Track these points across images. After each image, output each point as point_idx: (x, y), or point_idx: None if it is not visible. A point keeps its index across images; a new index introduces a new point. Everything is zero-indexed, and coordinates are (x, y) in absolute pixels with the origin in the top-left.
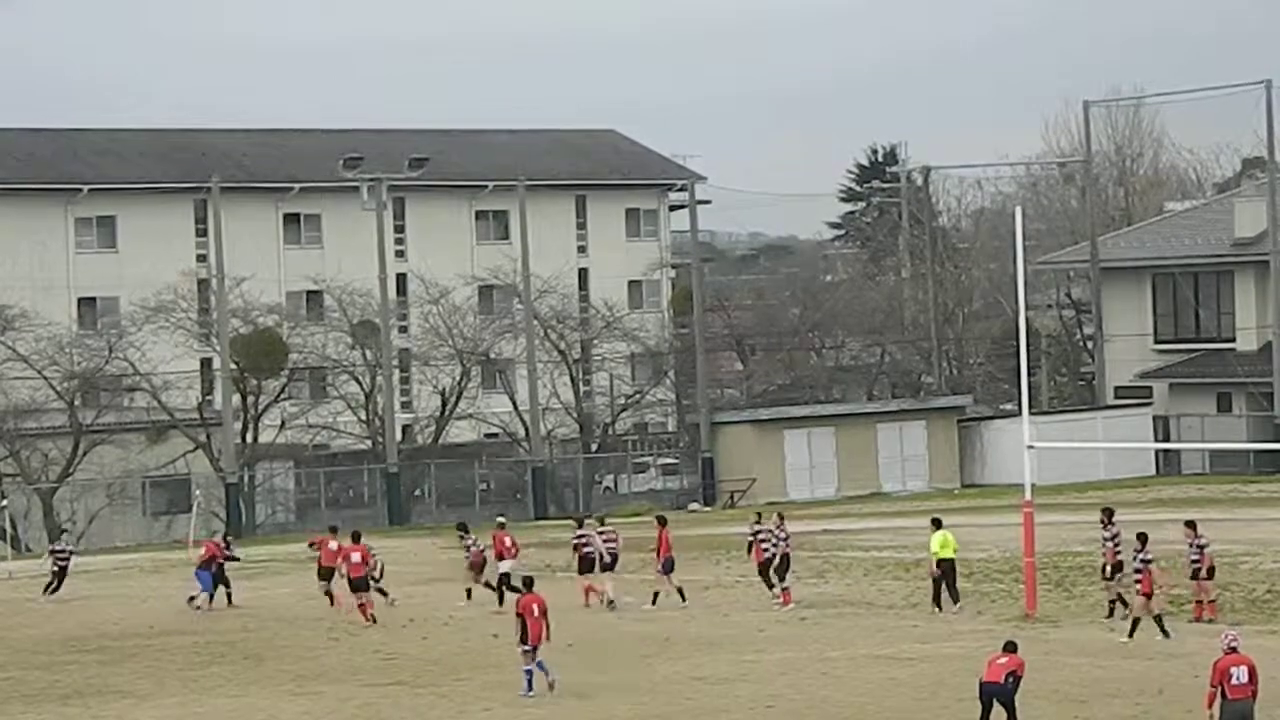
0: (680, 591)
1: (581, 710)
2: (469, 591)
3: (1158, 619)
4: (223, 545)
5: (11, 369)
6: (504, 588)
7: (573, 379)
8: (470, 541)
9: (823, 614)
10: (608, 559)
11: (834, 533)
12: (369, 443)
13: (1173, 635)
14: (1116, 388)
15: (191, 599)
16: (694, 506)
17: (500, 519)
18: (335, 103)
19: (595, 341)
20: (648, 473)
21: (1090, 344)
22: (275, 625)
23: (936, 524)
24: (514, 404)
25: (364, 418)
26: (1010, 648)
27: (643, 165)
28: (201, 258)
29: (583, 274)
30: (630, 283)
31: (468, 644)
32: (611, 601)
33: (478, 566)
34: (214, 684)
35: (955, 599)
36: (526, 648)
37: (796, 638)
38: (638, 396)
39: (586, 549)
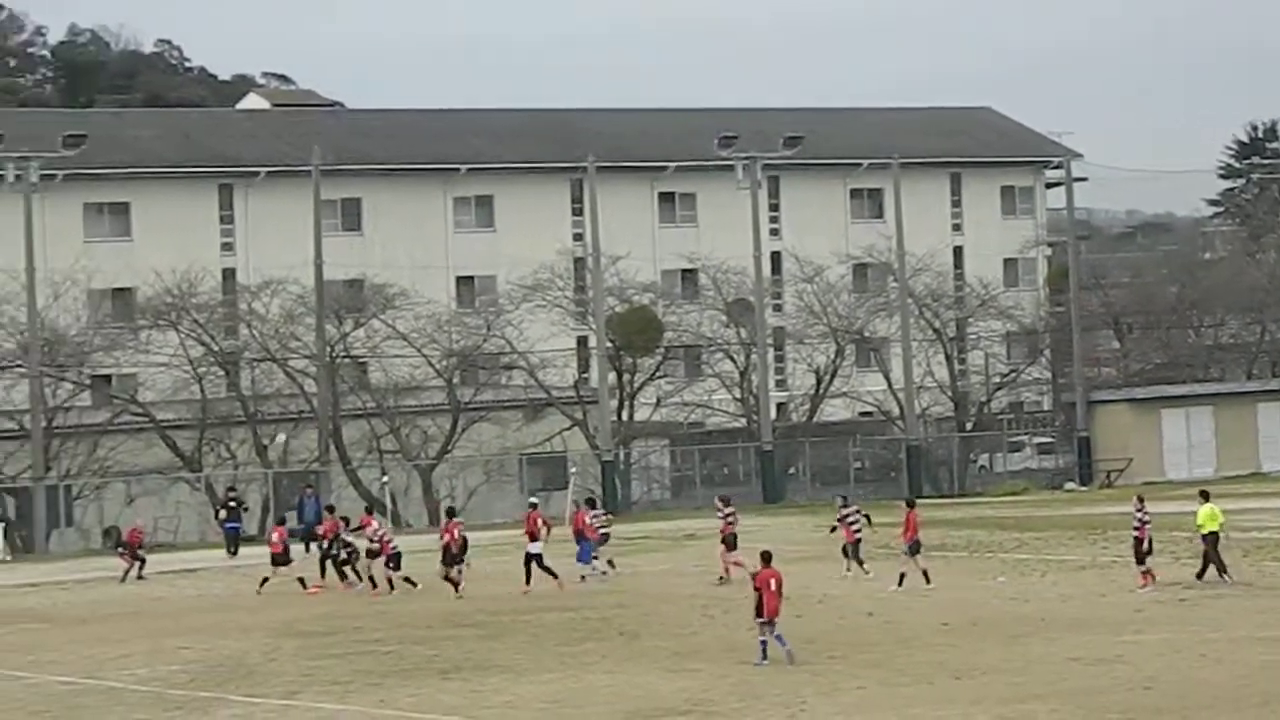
0: (925, 574)
1: (957, 689)
2: (610, 562)
3: None
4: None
5: (392, 347)
6: (530, 567)
7: (947, 357)
8: (599, 513)
9: (1201, 595)
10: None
11: None
12: (743, 421)
13: None
14: None
15: (583, 577)
16: (1070, 486)
17: (533, 500)
18: (709, 82)
19: (970, 320)
20: (1023, 451)
21: None
22: (650, 602)
23: (1204, 497)
24: (888, 382)
25: (738, 396)
26: None
27: (1018, 142)
28: (577, 236)
29: (957, 252)
30: (1005, 261)
31: (842, 622)
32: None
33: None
34: (590, 660)
35: (1200, 574)
36: (762, 620)
37: (1175, 619)
38: (1013, 375)
39: (733, 526)
